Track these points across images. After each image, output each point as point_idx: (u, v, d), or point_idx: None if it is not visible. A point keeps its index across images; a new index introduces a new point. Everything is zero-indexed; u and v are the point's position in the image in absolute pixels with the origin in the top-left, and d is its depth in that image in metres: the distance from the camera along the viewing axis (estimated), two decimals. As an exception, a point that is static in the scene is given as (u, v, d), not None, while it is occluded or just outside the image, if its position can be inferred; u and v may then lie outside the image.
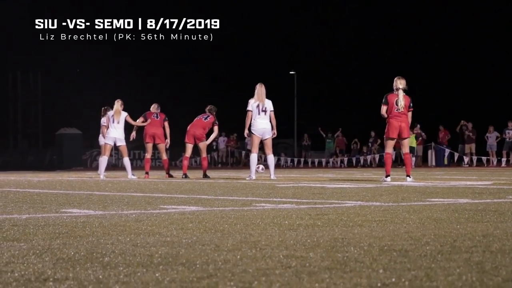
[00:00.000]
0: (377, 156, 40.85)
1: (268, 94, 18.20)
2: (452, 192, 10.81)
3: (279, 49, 62.81)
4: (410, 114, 15.65)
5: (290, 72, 56.21)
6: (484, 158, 37.48)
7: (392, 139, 15.74)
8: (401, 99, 15.47)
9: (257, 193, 11.21)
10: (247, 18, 63.35)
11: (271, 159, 18.46)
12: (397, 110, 15.49)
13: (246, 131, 18.22)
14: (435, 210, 7.48)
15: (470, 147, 37.80)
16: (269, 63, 61.22)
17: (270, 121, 18.06)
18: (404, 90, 15.61)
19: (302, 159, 44.44)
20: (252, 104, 18.01)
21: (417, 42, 60.29)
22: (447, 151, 38.75)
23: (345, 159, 42.85)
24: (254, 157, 18.31)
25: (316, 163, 42.78)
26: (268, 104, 18.03)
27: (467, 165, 36.76)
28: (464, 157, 37.67)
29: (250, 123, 18.03)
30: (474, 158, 37.44)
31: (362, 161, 41.92)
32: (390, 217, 6.71)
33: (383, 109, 15.59)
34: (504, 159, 36.47)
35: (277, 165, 32.61)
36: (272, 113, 18.08)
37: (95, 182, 17.66)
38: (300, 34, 63.83)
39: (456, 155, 38.23)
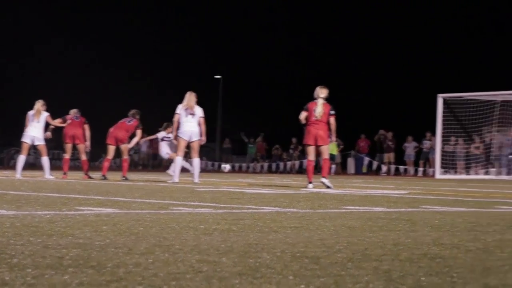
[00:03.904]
0: (297, 163, 41.16)
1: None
2: (368, 201, 10.96)
3: (205, 53, 62.75)
4: (332, 120, 15.97)
5: (215, 77, 56.23)
6: (402, 168, 38.12)
7: (310, 145, 16.07)
8: (319, 107, 15.82)
9: (175, 196, 11.17)
10: (172, 20, 63.12)
11: (196, 162, 18.42)
12: (315, 118, 15.84)
13: (174, 134, 18.19)
14: (350, 217, 7.57)
15: (389, 156, 38.41)
16: (195, 68, 61.12)
17: (199, 126, 18.06)
18: (325, 99, 15.93)
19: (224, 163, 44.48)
20: (180, 107, 18.01)
21: (338, 50, 60.93)
22: (366, 159, 39.27)
23: (266, 164, 43.02)
24: (179, 160, 18.27)
25: (237, 167, 42.83)
26: (198, 111, 18.04)
27: (385, 174, 37.32)
28: (383, 166, 38.25)
29: (178, 127, 18.02)
30: (392, 167, 38.05)
31: (282, 167, 42.17)
32: (305, 223, 6.77)
33: (302, 115, 16.05)
34: (421, 169, 37.14)
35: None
36: (202, 119, 18.09)
37: (11, 181, 17.35)
38: (225, 39, 63.88)
39: (375, 164, 38.79)
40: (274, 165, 42.72)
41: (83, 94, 53.44)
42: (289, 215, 7.83)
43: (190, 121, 17.96)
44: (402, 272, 3.94)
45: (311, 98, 16.12)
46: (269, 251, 4.67)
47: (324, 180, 15.78)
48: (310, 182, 15.81)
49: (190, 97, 18.04)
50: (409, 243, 5.29)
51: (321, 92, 16.01)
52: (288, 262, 4.25)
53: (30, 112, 20.88)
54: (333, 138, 16.33)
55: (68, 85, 57.05)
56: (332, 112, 15.98)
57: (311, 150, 16.17)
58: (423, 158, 37.65)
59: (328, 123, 15.99)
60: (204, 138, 18.25)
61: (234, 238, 5.41)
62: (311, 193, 13.43)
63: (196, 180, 17.95)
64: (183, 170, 19.20)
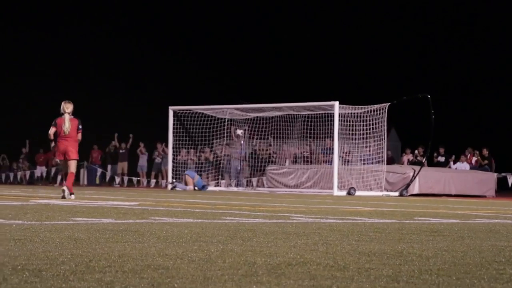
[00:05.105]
0: (28, 173, 40.13)
1: None
2: (98, 212, 10.90)
3: None
4: (80, 136, 16.75)
5: None
6: (135, 179, 38.26)
7: (61, 160, 16.78)
8: (66, 123, 16.55)
9: None
10: None
11: None
12: (64, 133, 16.52)
13: None
14: (77, 229, 7.49)
15: (123, 167, 38.41)
16: None
17: None
18: (72, 114, 16.67)
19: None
20: None
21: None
22: (99, 170, 39.04)
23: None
24: None
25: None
26: None
27: (118, 185, 37.27)
28: (116, 177, 38.19)
29: None
30: (126, 178, 38.09)
31: (12, 177, 40.94)
32: (30, 236, 6.62)
33: (52, 130, 16.68)
34: (153, 181, 37.46)
35: None
36: None
37: None
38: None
39: (108, 175, 38.66)
40: (3, 176, 41.35)
41: None
42: (14, 227, 7.62)
43: None
44: (124, 284, 3.96)
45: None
46: (-10, 265, 4.51)
47: (65, 188, 16.12)
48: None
49: None
50: (134, 254, 5.32)
51: (67, 108, 16.63)
52: (8, 275, 4.13)
53: None
54: None
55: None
56: (80, 126, 16.65)
57: (63, 164, 16.79)
58: (155, 170, 38.01)
59: (77, 137, 16.66)
60: None
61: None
62: (40, 204, 13.17)
63: None
64: None
